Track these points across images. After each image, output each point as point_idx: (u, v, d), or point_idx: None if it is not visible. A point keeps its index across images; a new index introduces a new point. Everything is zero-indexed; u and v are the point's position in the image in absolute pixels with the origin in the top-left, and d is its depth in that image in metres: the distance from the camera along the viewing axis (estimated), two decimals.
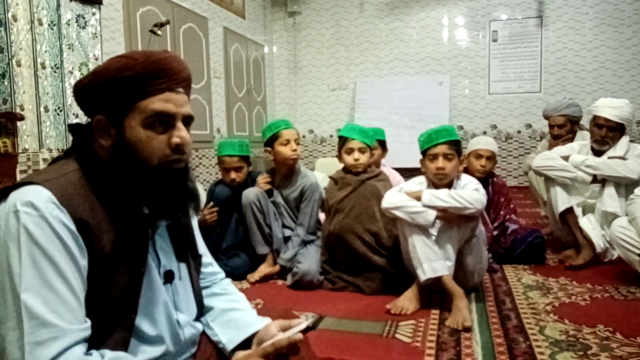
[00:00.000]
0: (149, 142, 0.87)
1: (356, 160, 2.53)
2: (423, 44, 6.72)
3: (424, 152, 2.23)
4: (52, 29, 3.48)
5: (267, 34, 7.07)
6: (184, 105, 0.91)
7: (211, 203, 2.72)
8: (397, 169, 3.41)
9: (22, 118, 3.29)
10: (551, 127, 3.62)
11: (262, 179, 2.74)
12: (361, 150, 2.55)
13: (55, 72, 3.52)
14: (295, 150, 2.66)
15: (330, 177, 2.69)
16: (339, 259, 2.46)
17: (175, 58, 0.91)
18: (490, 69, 6.53)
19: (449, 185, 2.18)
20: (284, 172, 2.75)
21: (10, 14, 3.29)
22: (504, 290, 2.31)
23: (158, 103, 0.87)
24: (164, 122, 0.88)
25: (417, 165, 2.30)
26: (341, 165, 2.65)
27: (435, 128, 2.22)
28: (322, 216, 2.81)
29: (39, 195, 0.79)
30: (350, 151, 2.56)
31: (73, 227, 0.80)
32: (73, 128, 0.95)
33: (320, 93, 7.16)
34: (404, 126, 6.46)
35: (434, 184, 2.21)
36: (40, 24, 3.42)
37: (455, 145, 2.17)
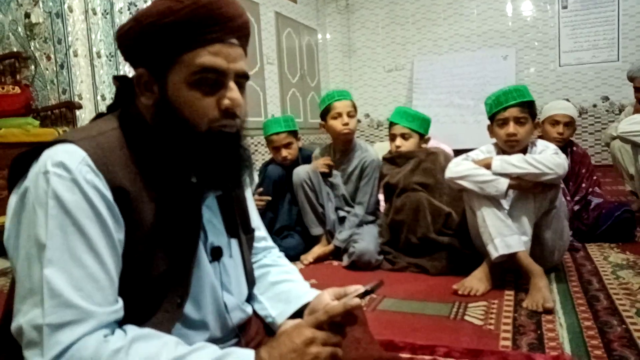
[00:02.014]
0: (194, 103, 0.74)
1: (397, 147, 2.36)
2: (484, 16, 6.32)
3: (491, 117, 2.00)
4: (106, 17, 3.52)
5: (320, 18, 6.92)
6: (237, 60, 0.76)
7: (261, 189, 2.62)
8: (458, 152, 3.15)
9: (80, 107, 3.36)
10: (637, 89, 3.21)
11: (322, 161, 2.59)
12: (404, 136, 2.37)
13: (110, 60, 3.56)
14: (347, 124, 2.48)
15: (384, 158, 2.51)
16: (403, 240, 2.26)
17: (229, 1, 0.76)
18: (560, 39, 6.03)
19: (523, 153, 1.92)
20: (341, 148, 2.60)
21: (66, 6, 3.36)
22: (589, 269, 2.04)
23: (206, 56, 0.73)
24: (213, 80, 0.74)
25: (480, 147, 2.07)
26: None
27: (504, 89, 1.97)
28: (380, 197, 2.63)
29: (73, 156, 0.68)
30: (393, 137, 2.39)
31: (109, 195, 0.69)
32: (120, 80, 0.82)
33: (376, 75, 6.94)
34: (465, 106, 6.12)
35: (503, 153, 1.97)
36: (94, 13, 3.46)
37: (529, 108, 1.92)
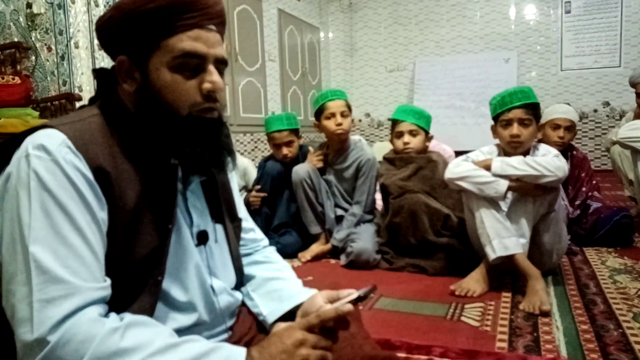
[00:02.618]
0: (176, 87, 0.76)
1: (405, 144, 2.34)
2: (487, 19, 6.32)
3: (495, 118, 1.99)
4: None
5: (323, 16, 6.91)
6: (216, 46, 0.78)
7: (258, 186, 2.61)
8: (458, 153, 3.15)
9: (80, 99, 3.34)
10: (638, 95, 3.21)
11: (315, 156, 2.58)
12: (412, 133, 2.35)
13: None
14: (340, 124, 2.46)
15: (384, 158, 2.49)
16: (402, 241, 2.25)
17: None
18: (562, 43, 6.03)
19: (525, 155, 1.91)
20: (336, 147, 2.59)
21: None
22: (587, 273, 2.03)
23: (187, 41, 0.75)
24: (194, 64, 0.76)
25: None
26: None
27: (509, 90, 1.96)
28: (377, 196, 2.63)
29: (52, 138, 0.70)
30: (400, 135, 2.37)
31: (90, 175, 0.70)
32: (97, 73, 0.84)
33: (377, 75, 6.93)
34: (466, 108, 6.13)
35: (505, 154, 1.97)
36: (96, 5, 3.45)
37: (533, 110, 1.91)
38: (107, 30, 0.79)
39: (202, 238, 0.86)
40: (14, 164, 0.69)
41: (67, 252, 0.66)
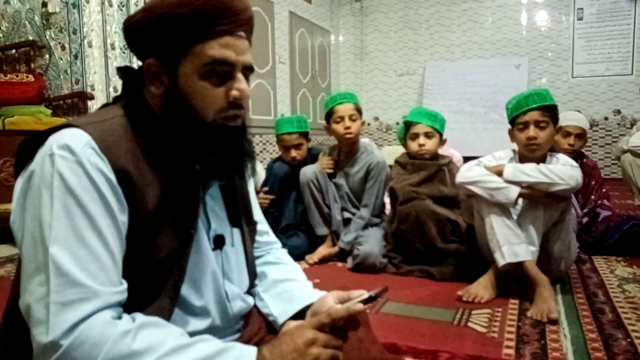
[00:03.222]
0: (204, 93, 0.76)
1: (421, 145, 2.31)
2: (499, 24, 6.31)
3: (512, 121, 1.97)
4: (122, 9, 3.54)
5: (333, 19, 6.93)
6: (245, 53, 0.78)
7: (266, 188, 2.62)
8: (467, 159, 3.14)
9: (92, 97, 3.38)
10: None
11: (326, 161, 2.59)
12: (427, 135, 2.33)
13: (124, 52, 3.58)
14: (348, 127, 2.45)
15: (396, 161, 2.49)
16: (409, 248, 2.25)
17: None
18: (574, 50, 6.00)
19: (540, 162, 1.89)
20: (346, 150, 2.59)
21: None
22: (595, 282, 2.02)
23: (217, 49, 0.75)
24: (223, 71, 0.76)
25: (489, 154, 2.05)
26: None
27: (525, 92, 1.95)
28: (386, 199, 2.63)
29: (77, 139, 0.69)
30: (415, 136, 2.34)
31: (113, 177, 0.70)
32: (123, 71, 0.84)
33: (387, 79, 6.94)
34: (475, 113, 6.11)
35: (521, 159, 1.96)
36: (110, 5, 3.49)
37: (550, 112, 1.89)
38: (136, 32, 0.78)
39: (218, 242, 0.86)
40: (37, 162, 0.69)
41: (86, 254, 0.66)
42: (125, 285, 0.70)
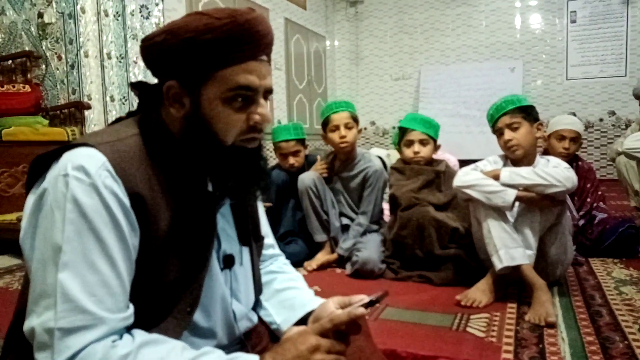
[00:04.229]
0: (226, 118, 0.76)
1: (416, 153, 2.34)
2: (493, 28, 6.35)
3: (493, 131, 2.06)
4: (117, 19, 3.55)
5: (329, 25, 6.97)
6: (267, 77, 0.78)
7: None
8: (463, 162, 3.17)
9: (89, 107, 3.39)
10: None
11: (320, 166, 2.60)
12: (422, 142, 2.36)
13: (120, 62, 3.59)
14: (344, 137, 2.45)
15: (393, 168, 2.50)
16: (408, 254, 2.25)
17: (262, 19, 0.77)
18: (568, 53, 6.05)
19: (529, 163, 1.95)
20: (343, 158, 2.60)
21: (79, 7, 3.40)
22: (592, 284, 2.04)
23: (241, 74, 0.74)
24: (245, 96, 0.76)
25: (485, 157, 2.10)
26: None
27: (495, 103, 2.06)
28: (385, 206, 2.64)
29: (93, 160, 0.69)
30: (410, 143, 2.37)
31: (127, 200, 0.70)
32: (137, 87, 0.83)
33: (383, 83, 6.96)
34: (471, 116, 6.14)
35: (511, 162, 2.00)
36: (106, 15, 3.50)
37: (520, 112, 1.96)
38: (157, 53, 0.77)
39: (228, 262, 0.86)
40: (50, 180, 0.69)
41: (96, 279, 0.66)
42: (131, 309, 0.70)
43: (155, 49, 0.77)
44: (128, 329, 0.69)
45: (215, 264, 0.83)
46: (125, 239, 0.69)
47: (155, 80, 0.82)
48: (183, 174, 0.77)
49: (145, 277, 0.72)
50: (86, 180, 0.67)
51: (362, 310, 0.75)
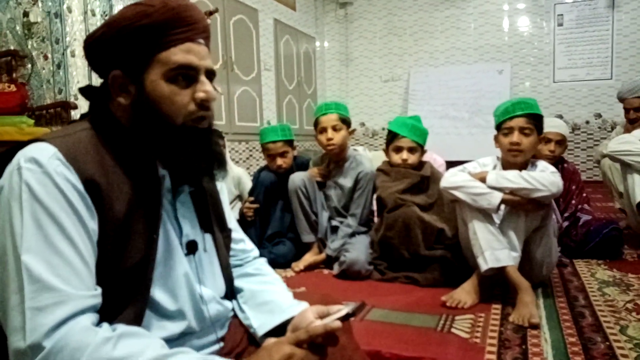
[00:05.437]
0: (172, 97, 0.79)
1: (404, 160, 2.36)
2: (481, 31, 6.40)
3: (498, 127, 2.01)
4: (104, 19, 3.52)
5: (318, 26, 6.97)
6: (206, 58, 0.83)
7: (251, 198, 2.63)
8: (452, 163, 3.18)
9: (75, 107, 3.35)
10: (626, 110, 3.27)
11: (318, 171, 2.60)
12: (411, 150, 2.37)
13: None
14: (330, 139, 2.46)
15: (378, 169, 2.51)
16: (395, 255, 2.26)
17: (193, 6, 0.83)
18: (555, 56, 6.11)
19: (522, 169, 1.93)
20: (334, 159, 2.61)
21: (65, 6, 3.36)
22: (576, 285, 2.06)
23: (180, 54, 0.79)
24: (187, 75, 0.80)
25: (474, 159, 2.08)
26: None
27: (513, 100, 2.00)
28: (374, 207, 2.64)
29: (43, 152, 0.71)
30: (399, 150, 2.38)
31: (80, 186, 0.72)
32: (85, 91, 0.86)
33: (372, 85, 6.99)
34: (460, 118, 6.19)
35: (504, 166, 2.00)
36: (93, 14, 3.47)
37: (535, 120, 1.93)
38: (99, 47, 0.81)
39: (191, 247, 0.88)
40: (6, 177, 0.71)
41: (59, 260, 0.67)
42: (99, 290, 0.71)
43: (96, 44, 0.81)
44: (104, 319, 0.70)
45: (177, 248, 0.85)
46: (84, 222, 0.71)
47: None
48: (134, 161, 0.79)
49: (108, 261, 0.74)
50: (38, 170, 0.70)
51: (338, 323, 0.76)
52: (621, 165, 2.60)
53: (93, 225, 0.72)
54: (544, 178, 1.80)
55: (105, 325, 0.69)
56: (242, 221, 2.58)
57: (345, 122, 2.53)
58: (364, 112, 7.06)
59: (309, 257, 2.49)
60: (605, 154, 2.96)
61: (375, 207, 2.57)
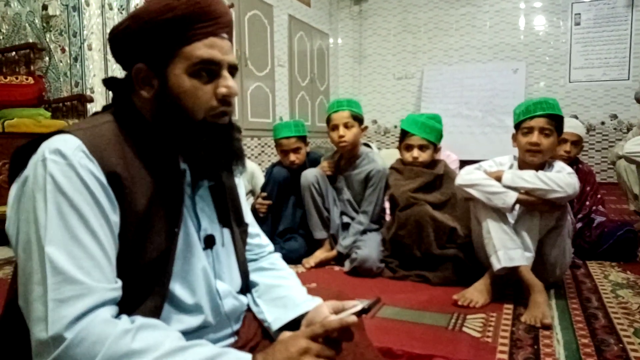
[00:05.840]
0: (194, 92, 0.79)
1: (415, 158, 2.36)
2: (497, 29, 6.34)
3: (517, 126, 1.99)
4: (122, 13, 3.56)
5: (332, 23, 6.96)
6: (229, 53, 0.83)
7: (264, 193, 2.64)
8: (464, 162, 3.17)
9: (91, 100, 3.40)
10: None
11: (327, 165, 2.60)
12: (421, 148, 2.36)
13: None
14: (342, 136, 2.46)
15: (391, 168, 2.51)
16: (406, 254, 2.26)
17: (217, 0, 0.82)
18: (571, 55, 6.04)
19: (538, 170, 1.91)
20: (346, 156, 2.61)
21: (83, 0, 3.39)
22: (589, 287, 2.04)
23: (203, 49, 0.79)
24: (210, 70, 0.80)
25: (487, 158, 2.07)
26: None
27: (535, 99, 1.98)
28: (386, 205, 2.64)
29: (68, 143, 0.72)
30: (409, 148, 2.38)
31: (103, 179, 0.73)
32: (108, 82, 0.87)
33: (385, 82, 6.96)
34: (473, 117, 6.14)
35: (521, 166, 1.98)
36: (111, 8, 3.50)
37: (556, 121, 1.92)
38: (123, 40, 0.81)
39: (209, 242, 0.89)
40: (30, 167, 0.72)
41: (81, 253, 0.68)
42: (120, 283, 0.72)
43: (121, 36, 0.82)
44: (120, 310, 0.71)
45: (196, 243, 0.86)
46: (106, 215, 0.72)
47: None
48: (157, 154, 0.80)
49: (129, 254, 0.75)
50: (63, 162, 0.70)
51: (353, 318, 0.76)
52: (637, 166, 2.57)
53: (115, 218, 0.73)
54: (560, 179, 1.79)
55: (124, 317, 0.70)
56: (254, 216, 2.59)
57: (357, 119, 2.52)
58: (376, 110, 7.04)
59: (320, 254, 2.50)
60: (620, 155, 2.93)
61: (387, 205, 2.57)
